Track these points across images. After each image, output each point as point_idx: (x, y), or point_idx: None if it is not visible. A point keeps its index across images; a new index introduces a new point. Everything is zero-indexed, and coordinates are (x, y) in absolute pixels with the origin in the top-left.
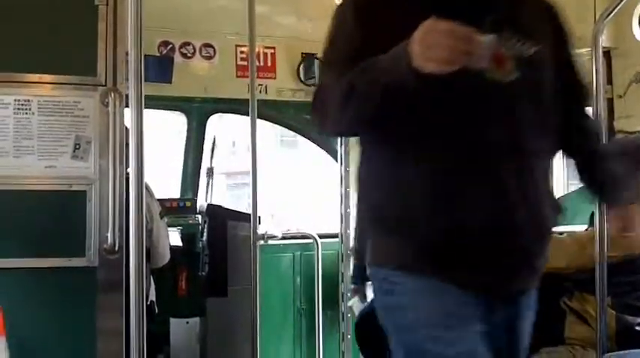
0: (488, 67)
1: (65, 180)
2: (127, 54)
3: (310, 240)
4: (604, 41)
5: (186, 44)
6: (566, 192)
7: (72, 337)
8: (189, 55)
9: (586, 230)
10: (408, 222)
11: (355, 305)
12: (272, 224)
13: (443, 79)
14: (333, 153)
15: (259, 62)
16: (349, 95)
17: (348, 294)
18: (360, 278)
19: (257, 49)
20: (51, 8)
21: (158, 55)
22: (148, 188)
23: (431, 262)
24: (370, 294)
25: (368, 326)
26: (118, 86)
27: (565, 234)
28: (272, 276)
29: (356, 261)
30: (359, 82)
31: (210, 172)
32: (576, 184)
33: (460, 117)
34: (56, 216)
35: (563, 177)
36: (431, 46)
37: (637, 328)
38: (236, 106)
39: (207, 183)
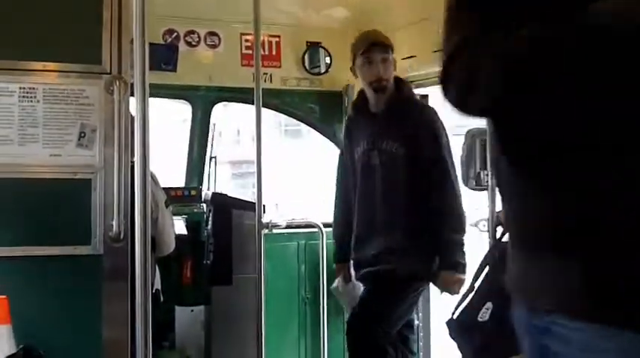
0: None
1: (70, 168)
2: (131, 42)
3: (315, 229)
4: None
5: (191, 32)
6: None
7: (77, 325)
8: (194, 43)
9: None
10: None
11: (340, 285)
12: (276, 213)
13: None
14: (337, 142)
15: (264, 51)
16: (524, 53)
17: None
18: (342, 258)
19: (262, 38)
20: None
21: (163, 43)
22: (153, 176)
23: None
24: (353, 273)
25: (359, 325)
26: (123, 74)
27: None
28: (277, 265)
29: (336, 242)
30: (544, 34)
31: (211, 161)
32: None
33: None
34: (61, 204)
35: None
36: None
37: None
38: (241, 95)
39: (208, 172)
